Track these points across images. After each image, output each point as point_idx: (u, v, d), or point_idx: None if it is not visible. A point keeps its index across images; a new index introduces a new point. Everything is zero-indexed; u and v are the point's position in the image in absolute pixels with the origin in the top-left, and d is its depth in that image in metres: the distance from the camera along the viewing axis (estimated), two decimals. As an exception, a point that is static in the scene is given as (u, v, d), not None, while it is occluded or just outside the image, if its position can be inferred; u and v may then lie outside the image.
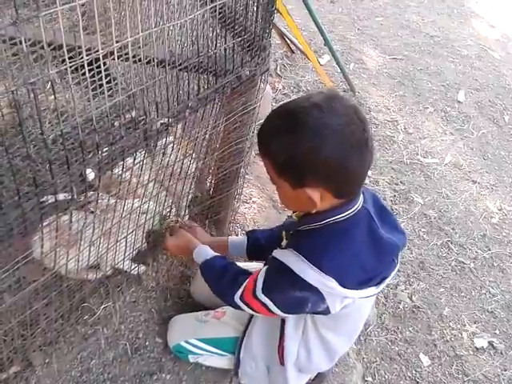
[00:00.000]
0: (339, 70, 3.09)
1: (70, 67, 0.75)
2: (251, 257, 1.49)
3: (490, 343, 2.01)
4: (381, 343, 1.90)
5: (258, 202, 2.11)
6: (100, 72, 0.84)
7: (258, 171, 2.20)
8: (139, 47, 0.88)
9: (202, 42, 1.11)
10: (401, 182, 2.63)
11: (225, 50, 1.17)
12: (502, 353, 1.99)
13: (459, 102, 3.35)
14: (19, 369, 1.34)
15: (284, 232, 1.22)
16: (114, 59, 0.86)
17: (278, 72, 3.13)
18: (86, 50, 0.75)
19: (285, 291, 1.07)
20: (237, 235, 1.91)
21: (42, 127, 0.78)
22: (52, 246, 1.10)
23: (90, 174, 1.09)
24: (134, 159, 1.07)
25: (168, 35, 1.07)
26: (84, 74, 0.79)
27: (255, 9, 1.21)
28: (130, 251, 1.46)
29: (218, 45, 1.15)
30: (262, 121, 1.05)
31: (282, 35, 3.16)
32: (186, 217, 1.71)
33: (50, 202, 0.93)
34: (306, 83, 3.10)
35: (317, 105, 0.94)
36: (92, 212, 1.29)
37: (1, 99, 1.34)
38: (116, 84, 0.91)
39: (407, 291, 2.12)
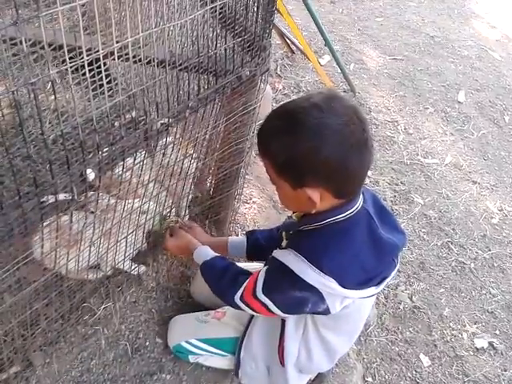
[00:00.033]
0: (339, 71, 3.09)
1: (71, 67, 0.75)
2: (251, 257, 1.49)
3: (491, 344, 2.01)
4: (381, 343, 1.90)
5: (259, 202, 2.11)
6: (100, 72, 0.84)
7: (259, 171, 2.20)
8: (139, 47, 0.88)
9: (203, 43, 1.11)
10: (401, 183, 2.63)
11: (225, 50, 1.17)
12: (502, 353, 1.99)
13: (459, 102, 3.35)
14: (19, 369, 1.34)
15: (284, 232, 1.22)
16: (114, 59, 0.86)
17: (279, 72, 3.13)
18: (87, 51, 0.75)
19: (285, 291, 1.07)
20: (237, 235, 1.91)
21: (42, 127, 0.78)
22: (52, 246, 1.10)
23: (91, 174, 1.09)
24: (134, 159, 1.07)
25: (168, 35, 1.07)
26: (84, 74, 0.79)
27: (255, 9, 1.21)
28: (130, 251, 1.47)
29: (219, 45, 1.15)
30: (262, 121, 1.05)
31: (282, 35, 3.17)
32: (186, 217, 1.71)
33: (50, 202, 0.93)
34: (307, 83, 3.10)
35: (316, 105, 0.94)
36: (92, 212, 1.29)
37: (1, 99, 1.34)
38: (116, 84, 0.91)
39: (407, 291, 2.11)
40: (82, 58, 0.76)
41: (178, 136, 1.31)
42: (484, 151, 3.02)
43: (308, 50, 2.95)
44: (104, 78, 0.84)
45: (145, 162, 1.13)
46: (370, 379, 1.78)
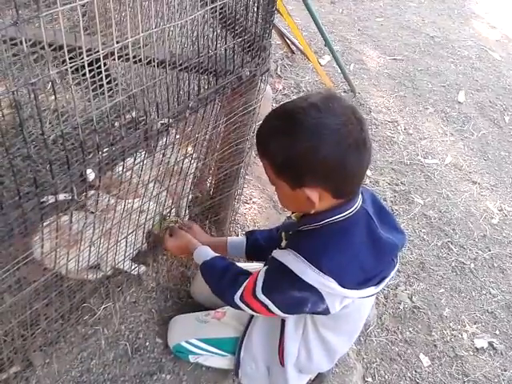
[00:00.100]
0: (339, 71, 3.09)
1: (71, 68, 0.75)
2: (250, 257, 1.49)
3: (490, 344, 2.01)
4: (381, 344, 1.90)
5: (259, 202, 2.11)
6: (100, 72, 0.84)
7: (259, 172, 2.21)
8: (139, 48, 0.88)
9: (203, 43, 1.11)
10: (401, 183, 2.64)
11: (225, 50, 1.17)
12: (502, 353, 1.99)
13: (459, 102, 3.35)
14: (19, 369, 1.34)
15: (283, 232, 1.22)
16: (114, 60, 0.86)
17: (279, 72, 3.13)
18: (87, 51, 0.75)
19: (284, 291, 1.07)
20: (237, 235, 1.91)
21: (42, 127, 0.78)
22: (52, 247, 1.10)
23: (91, 175, 1.09)
24: (135, 159, 1.07)
25: (168, 36, 1.07)
26: (84, 74, 0.79)
27: (255, 9, 1.21)
28: (130, 251, 1.47)
29: (219, 45, 1.15)
30: (261, 121, 1.05)
31: (282, 36, 3.17)
32: (187, 217, 1.71)
33: (50, 202, 0.93)
34: (307, 84, 3.10)
35: (315, 105, 0.94)
36: (92, 212, 1.29)
37: (1, 99, 1.34)
38: (116, 84, 0.91)
39: (407, 292, 2.12)
40: (82, 58, 0.76)
41: (178, 136, 1.31)
42: (484, 151, 3.02)
43: (308, 50, 2.96)
44: (104, 78, 0.84)
45: (145, 162, 1.13)
46: (369, 379, 1.78)
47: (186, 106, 1.11)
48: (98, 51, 0.78)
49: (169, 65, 1.02)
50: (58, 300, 1.29)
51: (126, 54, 0.86)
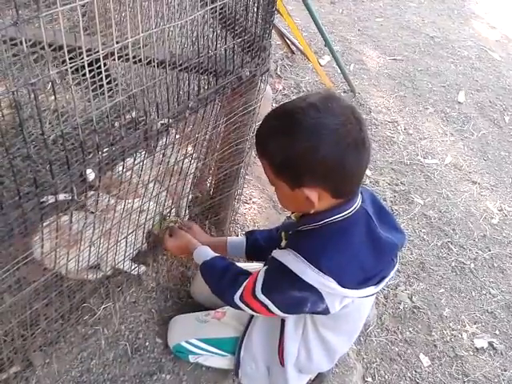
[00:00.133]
0: (339, 71, 3.09)
1: (71, 68, 0.76)
2: (250, 257, 1.49)
3: (490, 344, 2.01)
4: (381, 344, 1.90)
5: (259, 202, 2.11)
6: (100, 72, 0.84)
7: (259, 172, 2.21)
8: (139, 48, 0.88)
9: (203, 43, 1.11)
10: (401, 183, 2.64)
11: (225, 50, 1.17)
12: (502, 353, 1.99)
13: (459, 102, 3.35)
14: (19, 369, 1.34)
15: (283, 232, 1.23)
16: (114, 60, 0.86)
17: (279, 73, 3.13)
18: (87, 51, 0.75)
19: (284, 291, 1.07)
20: (237, 235, 1.91)
21: (42, 128, 0.78)
22: (52, 247, 1.11)
23: (91, 175, 1.09)
24: (134, 160, 1.08)
25: (168, 36, 1.07)
26: (84, 74, 0.79)
27: (255, 9, 1.21)
28: (130, 251, 1.47)
29: (219, 45, 1.15)
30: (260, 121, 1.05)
31: (282, 36, 3.17)
32: (186, 217, 1.71)
33: (50, 202, 0.93)
34: (307, 84, 3.10)
35: (313, 105, 0.94)
36: (92, 212, 1.29)
37: (1, 99, 1.34)
38: (116, 84, 0.91)
39: (407, 292, 2.12)
40: (82, 58, 0.76)
41: (178, 136, 1.31)
42: (484, 151, 3.02)
43: (308, 50, 2.96)
44: (104, 78, 0.84)
45: (145, 162, 1.13)
46: (369, 379, 1.78)
47: (185, 106, 1.11)
48: (97, 51, 0.78)
49: (169, 65, 1.02)
50: (57, 300, 1.29)
51: (125, 54, 0.86)
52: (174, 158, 1.32)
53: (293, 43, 3.20)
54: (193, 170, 1.52)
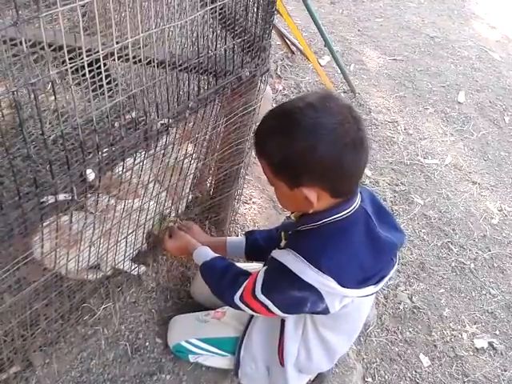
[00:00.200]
0: (339, 71, 3.09)
1: (71, 68, 0.76)
2: (250, 257, 1.49)
3: (490, 344, 2.01)
4: (381, 344, 1.90)
5: (258, 202, 2.11)
6: (100, 73, 0.84)
7: (259, 172, 2.21)
8: (139, 48, 0.88)
9: (202, 43, 1.11)
10: (401, 183, 2.64)
11: (225, 50, 1.18)
12: (502, 353, 1.99)
13: (459, 102, 3.35)
14: (19, 369, 1.34)
15: (283, 232, 1.23)
16: (114, 60, 0.86)
17: (279, 73, 3.13)
18: (87, 51, 0.76)
19: (284, 291, 1.07)
20: (237, 236, 1.91)
21: (42, 128, 0.78)
22: (52, 247, 1.11)
23: (91, 175, 1.09)
24: (134, 160, 1.08)
25: (168, 36, 1.07)
26: (84, 74, 0.79)
27: (255, 10, 1.21)
28: (130, 251, 1.47)
29: (218, 46, 1.15)
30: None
31: (282, 36, 3.17)
32: (186, 217, 1.71)
33: (50, 202, 0.93)
34: (306, 84, 3.10)
35: (311, 105, 0.95)
36: (92, 212, 1.29)
37: (1, 100, 1.35)
38: (116, 85, 0.91)
39: (407, 292, 2.12)
40: (82, 58, 0.76)
41: (177, 136, 1.31)
42: (484, 152, 3.02)
43: (308, 50, 2.96)
44: (104, 78, 0.84)
45: (145, 162, 1.13)
46: (369, 379, 1.78)
47: (185, 107, 1.11)
48: (97, 51, 0.78)
49: (169, 65, 1.02)
50: (57, 300, 1.29)
51: (125, 55, 0.86)
52: (174, 157, 1.32)
53: (293, 43, 3.20)
54: (193, 170, 1.52)
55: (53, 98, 0.82)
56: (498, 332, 2.06)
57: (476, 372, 1.91)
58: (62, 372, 1.39)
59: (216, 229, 1.84)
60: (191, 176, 1.54)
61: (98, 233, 1.21)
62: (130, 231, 1.36)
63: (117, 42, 0.83)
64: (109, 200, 1.35)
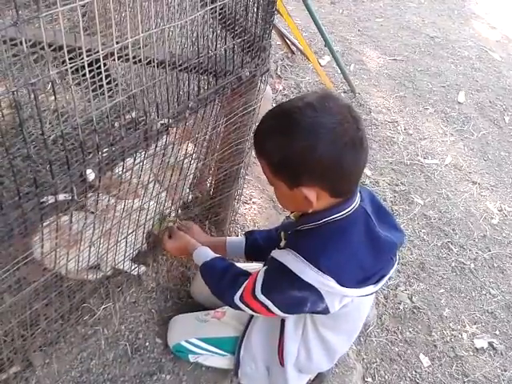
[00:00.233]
0: (339, 71, 3.09)
1: (71, 68, 0.76)
2: (249, 257, 1.49)
3: (490, 344, 2.01)
4: (381, 344, 1.90)
5: (259, 202, 2.11)
6: (100, 73, 0.84)
7: (258, 172, 2.21)
8: (139, 48, 0.88)
9: (202, 43, 1.11)
10: (401, 183, 2.64)
11: (225, 50, 1.18)
12: (502, 353, 1.99)
13: (459, 102, 3.35)
14: (19, 369, 1.34)
15: (282, 232, 1.23)
16: (114, 60, 0.86)
17: (279, 73, 3.13)
18: (87, 51, 0.76)
19: (284, 291, 1.07)
20: (237, 236, 1.91)
21: (42, 128, 0.78)
22: (52, 247, 1.11)
23: (91, 175, 1.09)
24: (134, 160, 1.08)
25: (168, 36, 1.07)
26: (84, 74, 0.79)
27: (255, 10, 1.21)
28: (130, 251, 1.47)
29: (218, 46, 1.15)
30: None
31: (282, 36, 3.17)
32: (186, 217, 1.71)
33: (50, 202, 0.93)
34: (307, 84, 3.10)
35: (310, 104, 0.95)
36: (92, 212, 1.29)
37: (1, 100, 1.35)
38: (116, 85, 0.91)
39: (407, 292, 2.12)
40: (82, 58, 0.76)
41: (177, 136, 1.31)
42: (484, 152, 3.02)
43: (308, 50, 2.96)
44: (104, 78, 0.84)
45: (145, 162, 1.13)
46: (369, 379, 1.78)
47: (185, 107, 1.11)
48: (97, 51, 0.78)
49: (169, 65, 1.02)
50: (57, 300, 1.29)
51: (125, 55, 0.86)
52: (174, 158, 1.32)
53: (293, 43, 3.20)
54: (193, 170, 1.52)
55: (53, 98, 0.82)
56: (497, 332, 2.07)
57: (476, 372, 1.91)
58: (61, 372, 1.39)
59: (216, 229, 1.84)
60: (191, 176, 1.54)
61: (97, 233, 1.21)
62: (130, 231, 1.36)
63: (117, 42, 0.83)
64: (109, 200, 1.35)
